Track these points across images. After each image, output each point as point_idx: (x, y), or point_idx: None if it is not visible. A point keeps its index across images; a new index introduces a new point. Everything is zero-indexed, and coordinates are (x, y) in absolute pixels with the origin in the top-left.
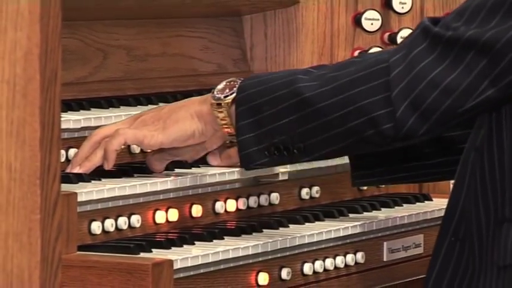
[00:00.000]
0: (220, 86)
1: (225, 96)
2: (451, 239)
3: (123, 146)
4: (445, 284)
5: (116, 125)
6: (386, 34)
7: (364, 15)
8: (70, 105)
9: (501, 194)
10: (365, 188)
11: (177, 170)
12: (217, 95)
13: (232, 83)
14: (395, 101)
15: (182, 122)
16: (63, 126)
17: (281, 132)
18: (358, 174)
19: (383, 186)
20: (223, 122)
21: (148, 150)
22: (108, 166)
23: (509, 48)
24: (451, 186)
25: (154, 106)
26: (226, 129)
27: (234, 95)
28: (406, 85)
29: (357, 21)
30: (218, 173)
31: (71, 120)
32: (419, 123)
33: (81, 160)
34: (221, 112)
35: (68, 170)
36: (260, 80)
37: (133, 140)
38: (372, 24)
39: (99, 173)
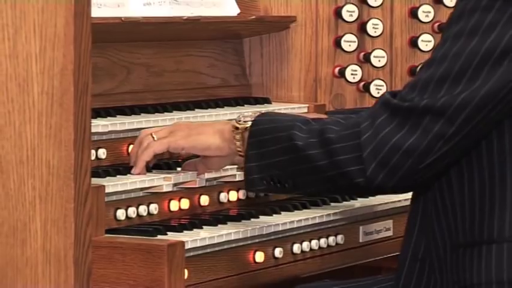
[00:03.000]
0: (246, 113)
1: (244, 121)
2: (411, 258)
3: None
4: None
5: (155, 130)
6: (362, 54)
7: (343, 38)
8: (99, 113)
9: (454, 220)
10: None
11: None
12: (239, 118)
13: (256, 114)
14: (366, 160)
15: (204, 135)
16: (93, 130)
17: (276, 167)
18: None
19: None
20: (237, 142)
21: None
22: (135, 172)
23: (460, 111)
24: None
25: (170, 113)
26: (238, 150)
27: (249, 124)
28: (373, 148)
29: (337, 43)
30: (222, 169)
31: (99, 125)
32: (387, 179)
33: (134, 154)
34: (237, 134)
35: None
36: (270, 119)
37: (160, 149)
38: (349, 45)
39: (123, 169)
